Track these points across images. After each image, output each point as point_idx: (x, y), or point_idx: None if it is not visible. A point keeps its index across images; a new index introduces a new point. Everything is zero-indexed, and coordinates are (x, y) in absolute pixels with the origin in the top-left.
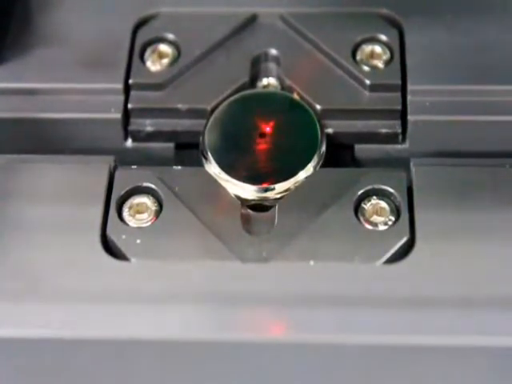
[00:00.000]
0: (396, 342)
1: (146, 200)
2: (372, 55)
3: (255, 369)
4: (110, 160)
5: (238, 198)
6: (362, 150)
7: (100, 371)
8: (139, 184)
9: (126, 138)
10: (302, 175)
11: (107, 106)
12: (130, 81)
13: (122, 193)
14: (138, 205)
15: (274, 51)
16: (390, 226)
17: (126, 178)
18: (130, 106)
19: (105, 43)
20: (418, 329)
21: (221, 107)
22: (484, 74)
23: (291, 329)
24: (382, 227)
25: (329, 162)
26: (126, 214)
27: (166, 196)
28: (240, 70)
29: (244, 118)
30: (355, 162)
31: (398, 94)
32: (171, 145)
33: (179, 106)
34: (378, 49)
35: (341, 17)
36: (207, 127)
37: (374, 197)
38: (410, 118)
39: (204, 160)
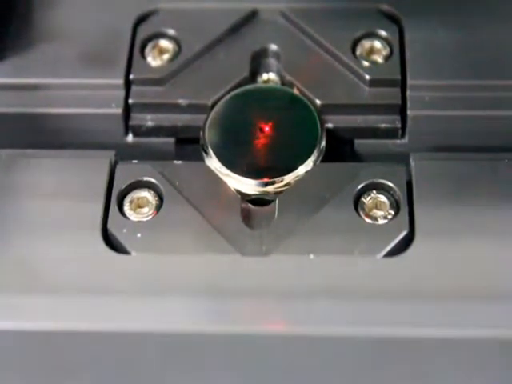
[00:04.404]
0: (396, 335)
1: (146, 194)
2: (372, 50)
3: (255, 361)
4: (110, 155)
5: (239, 192)
6: (361, 144)
7: (101, 364)
8: (140, 178)
9: (126, 133)
10: (301, 170)
11: (108, 101)
12: (131, 76)
13: (123, 187)
14: (138, 199)
15: (274, 46)
16: (390, 220)
17: (126, 173)
18: (130, 101)
19: (106, 39)
20: (418, 321)
21: (221, 102)
22: (483, 68)
23: (291, 322)
24: (381, 221)
25: (329, 156)
26: (126, 208)
27: (166, 190)
28: (240, 66)
29: (244, 113)
30: (355, 157)
31: (398, 89)
32: (172, 140)
33: (180, 101)
34: (377, 44)
35: (341, 12)
36: (208, 122)
37: (374, 191)
38: (409, 112)
39: (204, 155)
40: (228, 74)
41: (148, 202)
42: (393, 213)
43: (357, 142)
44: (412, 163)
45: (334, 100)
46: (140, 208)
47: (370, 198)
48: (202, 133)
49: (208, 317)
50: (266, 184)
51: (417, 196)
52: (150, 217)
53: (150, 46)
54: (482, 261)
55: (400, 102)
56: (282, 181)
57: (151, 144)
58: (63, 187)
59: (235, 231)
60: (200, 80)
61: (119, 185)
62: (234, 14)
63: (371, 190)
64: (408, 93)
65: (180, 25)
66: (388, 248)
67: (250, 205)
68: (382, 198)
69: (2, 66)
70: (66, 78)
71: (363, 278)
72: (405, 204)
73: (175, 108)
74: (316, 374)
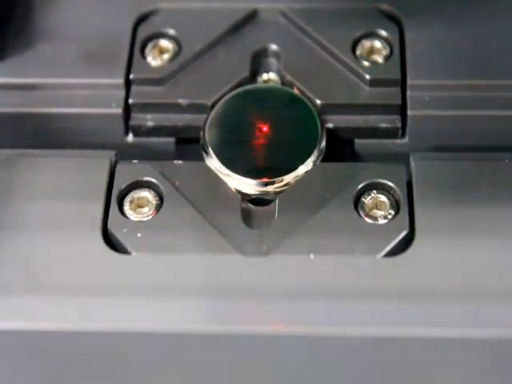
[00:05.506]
0: (396, 334)
1: (146, 194)
2: (372, 50)
3: (255, 361)
4: (110, 155)
5: (239, 192)
6: (361, 144)
7: (101, 364)
8: (140, 178)
9: (126, 133)
10: (302, 170)
11: (108, 101)
12: (131, 76)
13: (123, 187)
14: (138, 199)
15: (274, 46)
16: (390, 220)
17: (126, 173)
18: (130, 101)
19: (106, 38)
20: (418, 321)
21: (221, 102)
22: (483, 68)
23: (291, 321)
24: (381, 221)
25: (329, 156)
26: (127, 207)
27: (166, 190)
28: (240, 65)
29: (244, 112)
30: (355, 157)
31: (398, 89)
32: (172, 139)
33: (180, 100)
34: (377, 44)
35: (341, 12)
36: (208, 122)
37: (374, 191)
38: (409, 112)
39: (205, 154)
40: (228, 73)
41: (148, 201)
42: (393, 213)
43: (357, 141)
44: (412, 163)
45: (334, 100)
46: (140, 208)
47: (370, 197)
48: (202, 133)
49: (208, 317)
50: (266, 184)
51: (417, 196)
52: (150, 217)
53: (150, 45)
54: (482, 261)
55: (400, 101)
56: (281, 181)
57: (151, 144)
58: (63, 187)
59: (235, 231)
60: (200, 80)
61: (119, 185)
62: (234, 14)
63: (371, 189)
64: (408, 93)
65: (180, 25)
66: (388, 248)
67: (250, 205)
68: (382, 197)
69: (2, 66)
70: (66, 77)
71: (363, 278)
72: (405, 204)
73: (175, 108)
74: (316, 374)
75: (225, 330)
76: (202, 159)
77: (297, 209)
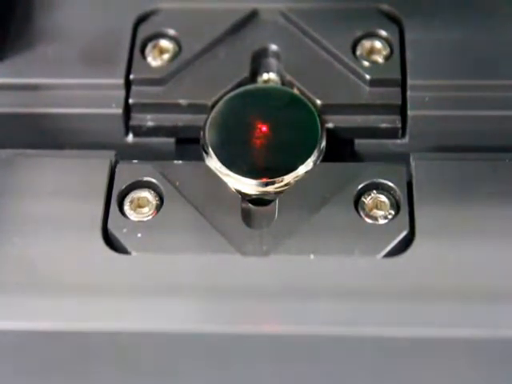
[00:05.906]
0: (395, 335)
1: (146, 194)
2: (372, 50)
3: (254, 361)
4: (110, 155)
5: (239, 192)
6: (362, 144)
7: (100, 364)
8: (140, 178)
9: (126, 133)
10: (302, 170)
11: (108, 101)
12: (131, 76)
13: (123, 187)
14: (139, 199)
15: (274, 46)
16: (390, 220)
17: (126, 173)
18: (130, 101)
19: (106, 39)
20: (418, 321)
21: (221, 102)
22: (483, 68)
23: (291, 322)
24: (381, 221)
25: (329, 156)
26: (127, 207)
27: (166, 190)
28: (240, 66)
29: (244, 112)
30: (355, 157)
31: (398, 89)
32: (172, 140)
33: (180, 101)
34: (377, 44)
35: (341, 12)
36: (208, 122)
37: (374, 191)
38: (409, 112)
39: (205, 154)
40: (228, 73)
41: (148, 201)
42: (393, 213)
43: (357, 141)
44: (412, 163)
45: (334, 100)
46: (140, 208)
47: (370, 197)
48: (202, 133)
49: (207, 317)
50: (266, 184)
51: (417, 196)
52: (150, 217)
53: (150, 45)
54: (482, 261)
55: (400, 101)
56: (282, 181)
57: (151, 144)
58: (63, 187)
59: (235, 231)
60: (200, 80)
61: (119, 185)
62: (234, 14)
63: (371, 189)
64: (408, 93)
65: (180, 25)
66: (388, 248)
67: (250, 205)
68: (383, 197)
69: (2, 66)
70: (65, 77)
71: (363, 278)
72: (405, 204)
73: (175, 108)
74: (316, 374)
75: (225, 329)
76: (202, 159)
77: (297, 209)
